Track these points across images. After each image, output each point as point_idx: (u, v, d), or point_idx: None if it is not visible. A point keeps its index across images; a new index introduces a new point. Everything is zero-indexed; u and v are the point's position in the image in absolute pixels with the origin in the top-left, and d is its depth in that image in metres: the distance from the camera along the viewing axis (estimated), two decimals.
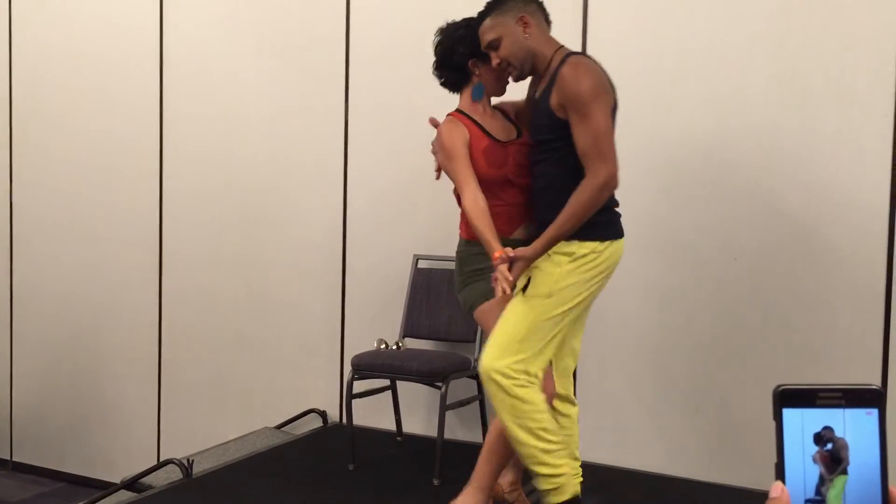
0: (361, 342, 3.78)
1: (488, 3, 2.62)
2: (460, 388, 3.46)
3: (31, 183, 4.81)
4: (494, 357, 2.49)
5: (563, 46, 2.59)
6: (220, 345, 4.30)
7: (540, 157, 2.59)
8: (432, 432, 3.54)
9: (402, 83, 3.78)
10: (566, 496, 2.55)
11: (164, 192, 4.41)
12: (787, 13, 3.10)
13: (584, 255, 2.49)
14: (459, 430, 3.75)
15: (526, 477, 2.74)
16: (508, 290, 2.40)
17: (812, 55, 3.07)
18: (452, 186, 2.72)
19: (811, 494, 0.77)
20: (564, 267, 2.49)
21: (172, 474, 3.27)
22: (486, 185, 2.62)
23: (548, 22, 2.64)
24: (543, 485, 2.56)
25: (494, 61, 2.61)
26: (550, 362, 2.69)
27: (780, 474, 0.78)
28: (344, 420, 3.67)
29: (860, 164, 3.02)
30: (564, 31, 3.04)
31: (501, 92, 2.78)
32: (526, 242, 2.55)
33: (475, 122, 2.70)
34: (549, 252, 2.50)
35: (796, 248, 3.12)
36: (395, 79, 3.81)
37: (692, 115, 3.26)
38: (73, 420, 4.75)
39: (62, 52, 4.65)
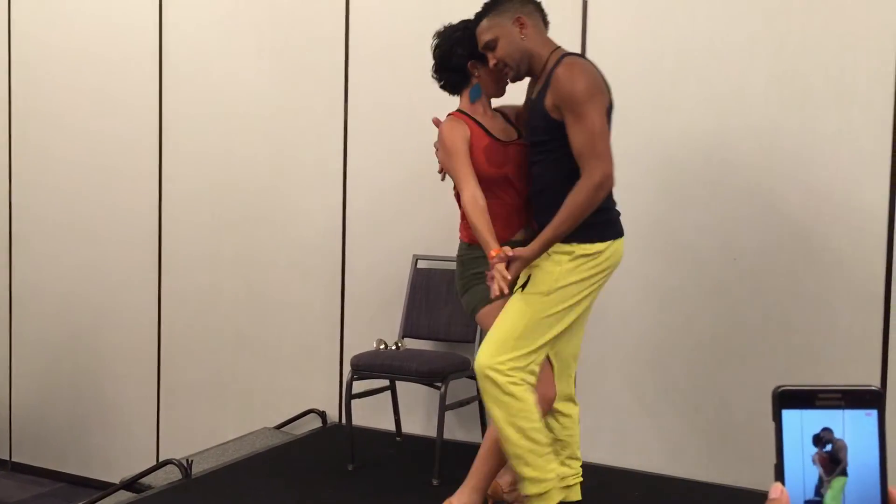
0: (361, 342, 3.78)
1: (485, 4, 2.62)
2: (459, 388, 3.46)
3: (31, 183, 4.81)
4: (490, 354, 2.49)
5: (559, 47, 2.59)
6: (219, 345, 4.30)
7: (536, 159, 2.59)
8: (431, 432, 3.54)
9: (401, 83, 3.78)
10: (552, 503, 2.54)
11: (164, 192, 4.41)
12: (787, 13, 3.10)
13: (585, 255, 2.49)
14: (459, 430, 3.75)
15: None
16: (506, 289, 2.39)
17: (812, 55, 3.06)
18: (453, 187, 2.72)
19: (811, 496, 0.77)
20: (564, 266, 2.48)
21: (172, 474, 3.26)
22: (485, 184, 2.62)
23: (546, 23, 2.63)
24: (529, 489, 2.54)
25: (491, 62, 2.61)
26: (552, 368, 2.69)
27: (779, 475, 0.77)
28: (343, 420, 3.66)
29: (860, 164, 3.01)
30: (564, 32, 3.04)
31: (501, 93, 2.78)
32: (524, 245, 2.55)
33: (476, 121, 2.70)
34: (549, 251, 2.49)
35: (796, 248, 3.12)
36: (395, 79, 3.81)
37: (692, 115, 3.25)
38: (73, 420, 4.74)
39: (62, 51, 4.65)
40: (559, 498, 2.56)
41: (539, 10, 2.62)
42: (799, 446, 0.77)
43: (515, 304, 2.53)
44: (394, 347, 3.54)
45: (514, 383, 2.47)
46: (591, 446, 3.18)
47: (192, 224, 4.34)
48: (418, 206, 3.78)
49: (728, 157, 3.21)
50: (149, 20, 4.38)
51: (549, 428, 2.78)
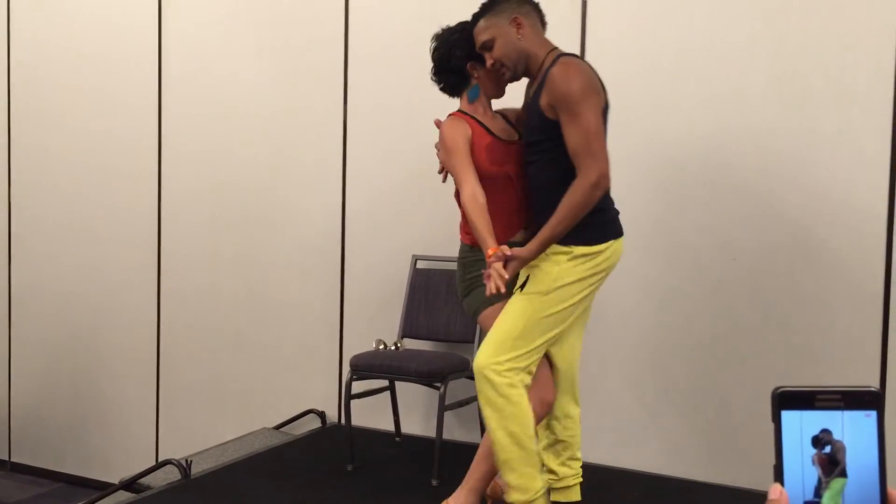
0: (360, 342, 3.78)
1: (483, 4, 2.62)
2: (459, 388, 3.46)
3: (30, 183, 4.81)
4: (489, 354, 2.49)
5: (556, 48, 2.59)
6: (218, 345, 4.30)
7: (532, 159, 2.59)
8: (431, 433, 3.54)
9: (400, 84, 3.78)
10: None
11: (163, 192, 4.41)
12: (787, 13, 3.10)
13: (584, 255, 2.49)
14: (458, 430, 3.75)
15: None
16: (503, 288, 2.38)
17: (812, 55, 3.06)
18: (453, 188, 2.71)
19: (810, 496, 0.77)
20: (563, 265, 2.48)
21: (171, 475, 3.26)
22: (486, 182, 2.61)
23: (543, 23, 2.63)
24: (514, 496, 2.51)
25: (488, 62, 2.61)
26: (552, 371, 2.68)
27: (778, 476, 0.77)
28: (342, 420, 3.66)
29: (859, 164, 3.01)
30: (563, 32, 3.04)
31: (500, 94, 2.78)
32: (524, 245, 2.54)
33: (477, 120, 2.70)
34: (548, 252, 2.49)
35: (795, 248, 3.12)
36: (394, 79, 3.81)
37: (691, 116, 3.25)
38: (72, 420, 4.74)
39: (61, 51, 4.65)
40: None
41: (536, 10, 2.62)
42: (798, 447, 0.77)
43: (514, 304, 2.53)
44: (393, 348, 3.54)
45: (511, 385, 2.47)
46: (591, 446, 3.18)
47: (191, 224, 4.34)
48: (418, 206, 3.77)
49: (727, 158, 3.21)
50: (148, 20, 4.38)
51: (550, 428, 2.78)
